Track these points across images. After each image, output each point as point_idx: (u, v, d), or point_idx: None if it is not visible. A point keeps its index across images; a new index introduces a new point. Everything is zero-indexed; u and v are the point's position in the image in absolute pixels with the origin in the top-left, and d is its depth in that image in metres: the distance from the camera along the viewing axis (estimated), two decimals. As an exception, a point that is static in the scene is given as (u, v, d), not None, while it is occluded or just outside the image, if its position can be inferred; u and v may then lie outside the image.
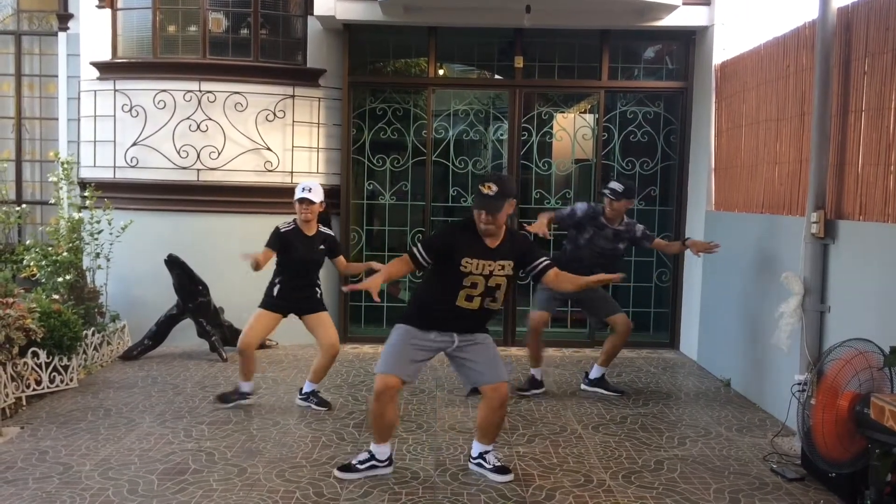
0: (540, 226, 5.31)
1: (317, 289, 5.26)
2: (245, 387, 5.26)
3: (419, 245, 3.98)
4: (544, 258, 4.10)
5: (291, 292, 5.13)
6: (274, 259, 5.08)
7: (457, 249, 3.89)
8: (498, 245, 3.96)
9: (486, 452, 4.15)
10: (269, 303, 5.15)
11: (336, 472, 4.07)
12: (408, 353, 3.99)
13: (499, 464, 4.14)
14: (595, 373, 5.80)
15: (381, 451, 4.09)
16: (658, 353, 7.19)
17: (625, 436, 4.81)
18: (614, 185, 5.53)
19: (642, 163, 7.36)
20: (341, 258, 5.34)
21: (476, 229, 3.93)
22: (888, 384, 3.43)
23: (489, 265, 3.92)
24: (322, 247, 5.17)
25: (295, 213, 5.11)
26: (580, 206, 5.64)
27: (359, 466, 4.06)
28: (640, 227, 5.65)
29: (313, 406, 5.24)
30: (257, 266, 4.84)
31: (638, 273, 7.43)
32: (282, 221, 5.14)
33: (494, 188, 3.86)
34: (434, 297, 4.03)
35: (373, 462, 4.07)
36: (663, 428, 4.98)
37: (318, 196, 5.06)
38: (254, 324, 5.11)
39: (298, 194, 5.04)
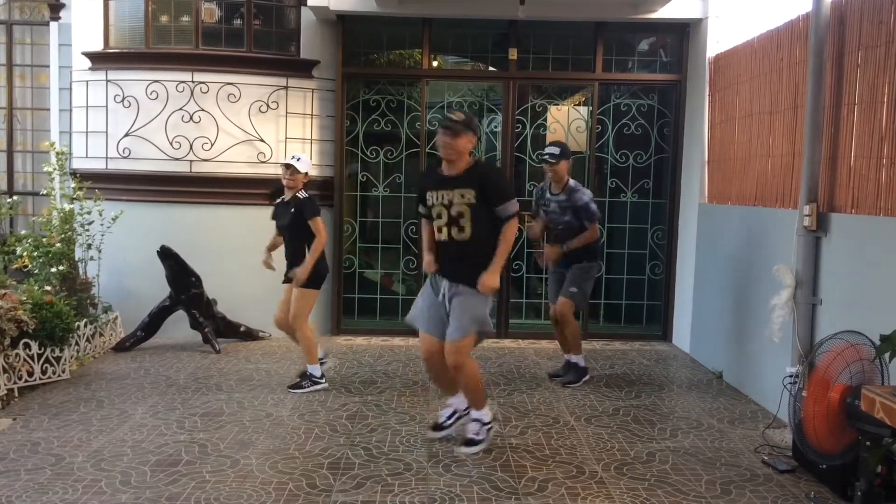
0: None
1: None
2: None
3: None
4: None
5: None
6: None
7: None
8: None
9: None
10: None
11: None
12: None
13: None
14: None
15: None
16: (651, 346, 7.21)
17: (617, 427, 4.82)
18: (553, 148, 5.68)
19: (636, 155, 7.36)
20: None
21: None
22: (879, 376, 3.45)
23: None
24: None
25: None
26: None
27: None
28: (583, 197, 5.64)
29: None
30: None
31: (631, 265, 7.45)
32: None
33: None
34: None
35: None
36: (655, 420, 5.00)
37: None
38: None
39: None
